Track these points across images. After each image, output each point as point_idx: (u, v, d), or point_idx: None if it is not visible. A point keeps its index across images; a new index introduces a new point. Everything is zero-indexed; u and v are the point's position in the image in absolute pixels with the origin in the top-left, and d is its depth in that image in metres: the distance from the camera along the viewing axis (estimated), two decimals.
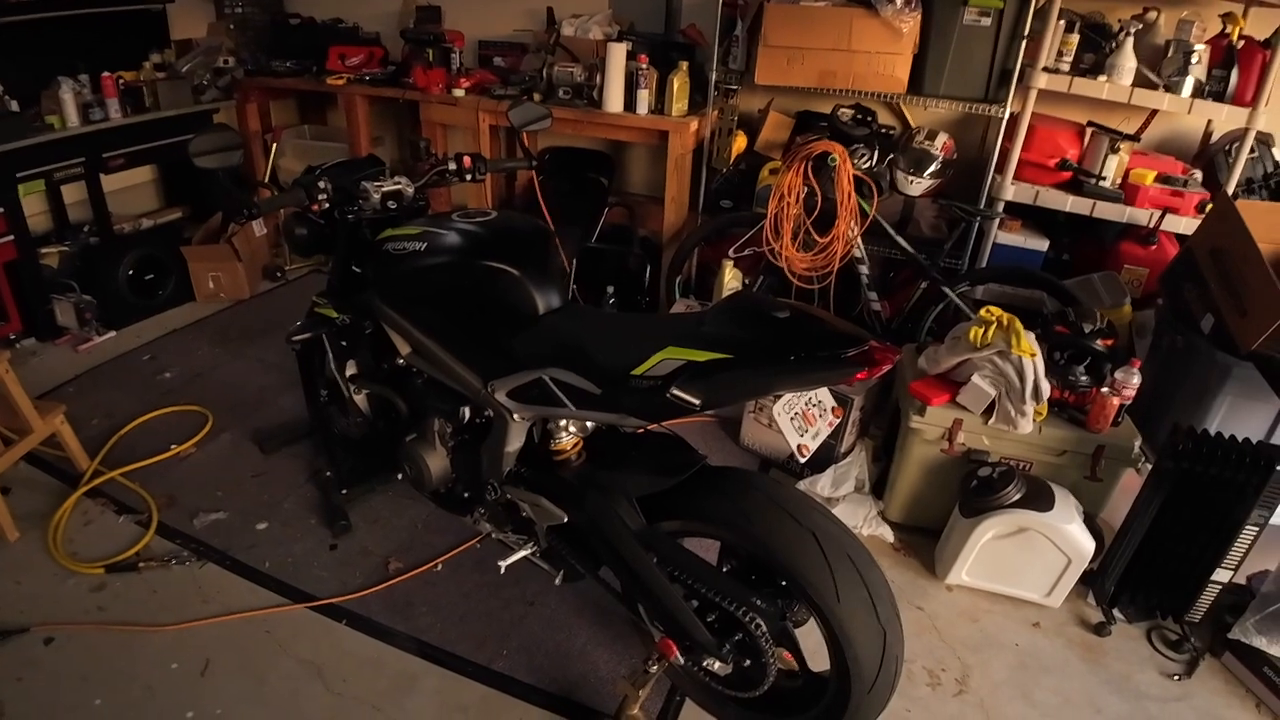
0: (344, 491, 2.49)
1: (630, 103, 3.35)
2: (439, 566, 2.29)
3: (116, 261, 3.54)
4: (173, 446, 2.73)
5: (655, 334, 1.43)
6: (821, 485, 2.57)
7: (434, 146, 3.31)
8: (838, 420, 2.60)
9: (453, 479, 2.00)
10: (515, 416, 1.69)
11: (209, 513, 2.45)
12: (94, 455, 2.62)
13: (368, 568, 2.28)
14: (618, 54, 3.28)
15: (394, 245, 1.82)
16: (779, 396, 2.58)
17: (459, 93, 3.63)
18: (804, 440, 2.61)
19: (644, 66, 3.27)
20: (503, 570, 1.84)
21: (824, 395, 2.61)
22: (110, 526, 2.40)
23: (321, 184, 1.86)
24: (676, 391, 1.34)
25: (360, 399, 2.23)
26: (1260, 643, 2.03)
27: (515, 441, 1.76)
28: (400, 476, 2.12)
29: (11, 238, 3.18)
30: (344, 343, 2.17)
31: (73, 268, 3.57)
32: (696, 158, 3.56)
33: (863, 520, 2.47)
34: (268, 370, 3.26)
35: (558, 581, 1.89)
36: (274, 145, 4.05)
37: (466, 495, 2.00)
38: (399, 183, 2.00)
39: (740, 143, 3.53)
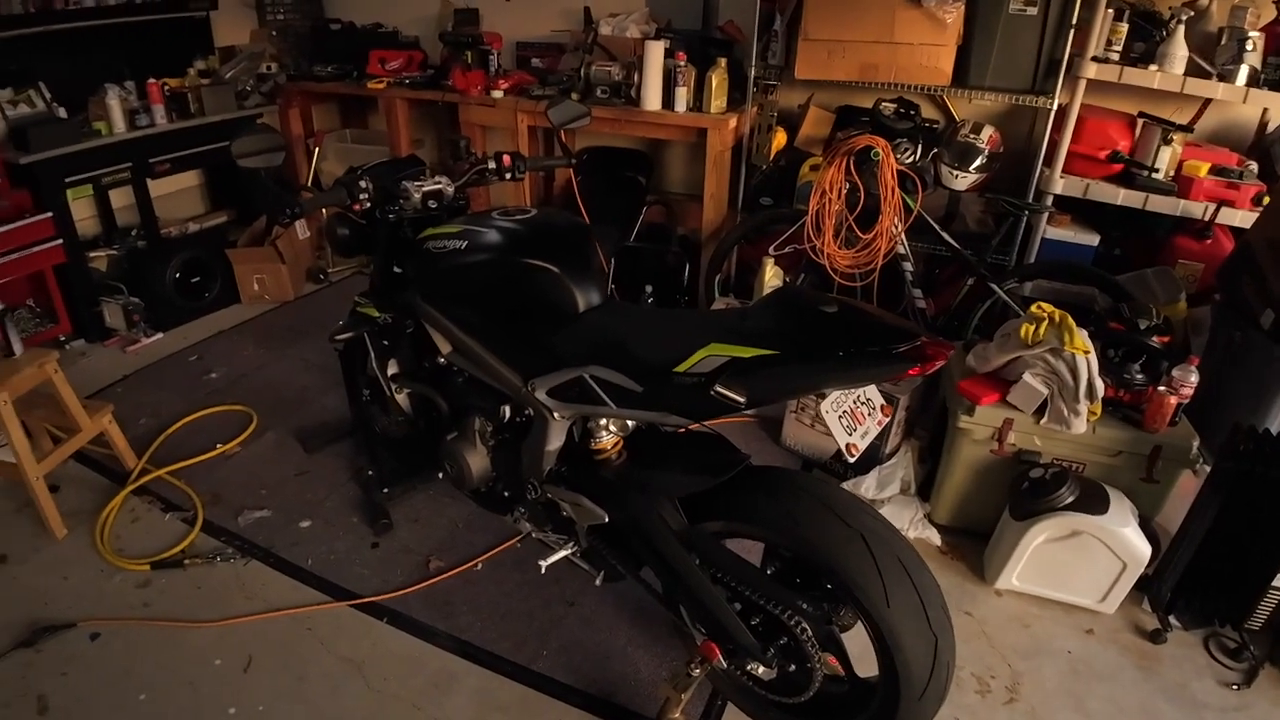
0: (385, 490, 2.50)
1: (668, 100, 3.33)
2: (479, 565, 2.29)
3: (163, 264, 3.61)
4: (218, 445, 2.77)
5: (698, 330, 1.41)
6: (866, 487, 2.52)
7: (473, 147, 3.32)
8: (887, 419, 2.55)
9: (493, 478, 2.00)
10: (556, 415, 1.68)
11: (253, 511, 2.48)
12: (141, 454, 2.67)
13: (408, 566, 2.29)
14: (655, 52, 3.26)
15: (435, 244, 1.82)
16: (826, 394, 2.53)
17: (497, 94, 3.64)
18: (853, 439, 2.56)
19: (682, 64, 3.25)
20: (543, 570, 1.83)
21: (872, 393, 2.56)
22: (156, 524, 2.44)
23: (363, 183, 1.88)
24: (720, 389, 1.31)
25: (402, 398, 2.24)
26: None
27: (556, 440, 1.74)
28: (441, 475, 2.13)
29: (60, 242, 3.26)
30: (386, 342, 2.18)
31: (121, 271, 3.65)
32: (735, 155, 3.53)
33: (909, 523, 2.41)
34: (311, 370, 3.29)
35: (598, 582, 1.87)
36: (316, 149, 4.11)
37: (507, 494, 2.00)
38: (439, 182, 2.00)
39: (780, 139, 3.49)
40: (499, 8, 4.10)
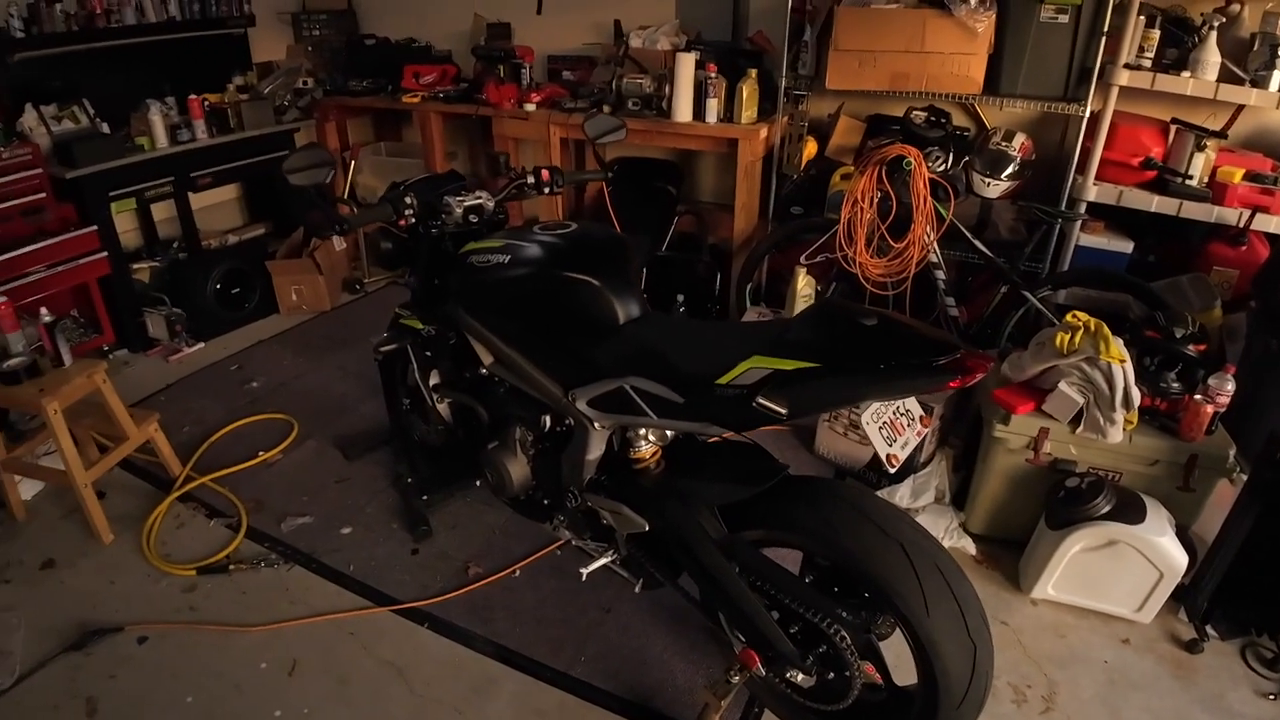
0: (424, 497, 2.55)
1: (699, 111, 3.37)
2: (517, 572, 2.33)
3: (204, 276, 3.70)
4: (260, 453, 2.84)
5: (739, 342, 1.43)
6: (900, 496, 2.53)
7: (510, 161, 3.38)
8: (926, 429, 2.56)
9: (533, 486, 2.03)
10: (596, 425, 1.71)
11: (295, 517, 2.54)
12: (185, 461, 2.75)
13: (448, 572, 2.33)
14: (686, 64, 3.30)
15: (477, 258, 1.86)
16: (865, 406, 2.54)
17: (530, 107, 3.70)
18: (893, 450, 2.57)
19: (712, 75, 3.28)
20: (584, 577, 1.86)
21: (911, 404, 2.57)
22: (201, 530, 2.51)
23: (408, 199, 1.93)
24: (763, 400, 1.34)
25: (443, 407, 2.28)
26: None
27: (596, 450, 1.78)
28: (480, 483, 2.17)
29: (105, 254, 3.35)
30: (428, 353, 2.23)
31: (163, 282, 3.76)
32: (766, 165, 3.55)
33: (943, 532, 2.42)
34: (349, 379, 3.36)
35: (637, 589, 1.90)
36: (352, 162, 4.19)
37: (546, 502, 2.03)
38: (480, 197, 2.05)
39: (811, 148, 3.50)
40: (530, 21, 4.16)
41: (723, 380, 1.40)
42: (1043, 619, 2.22)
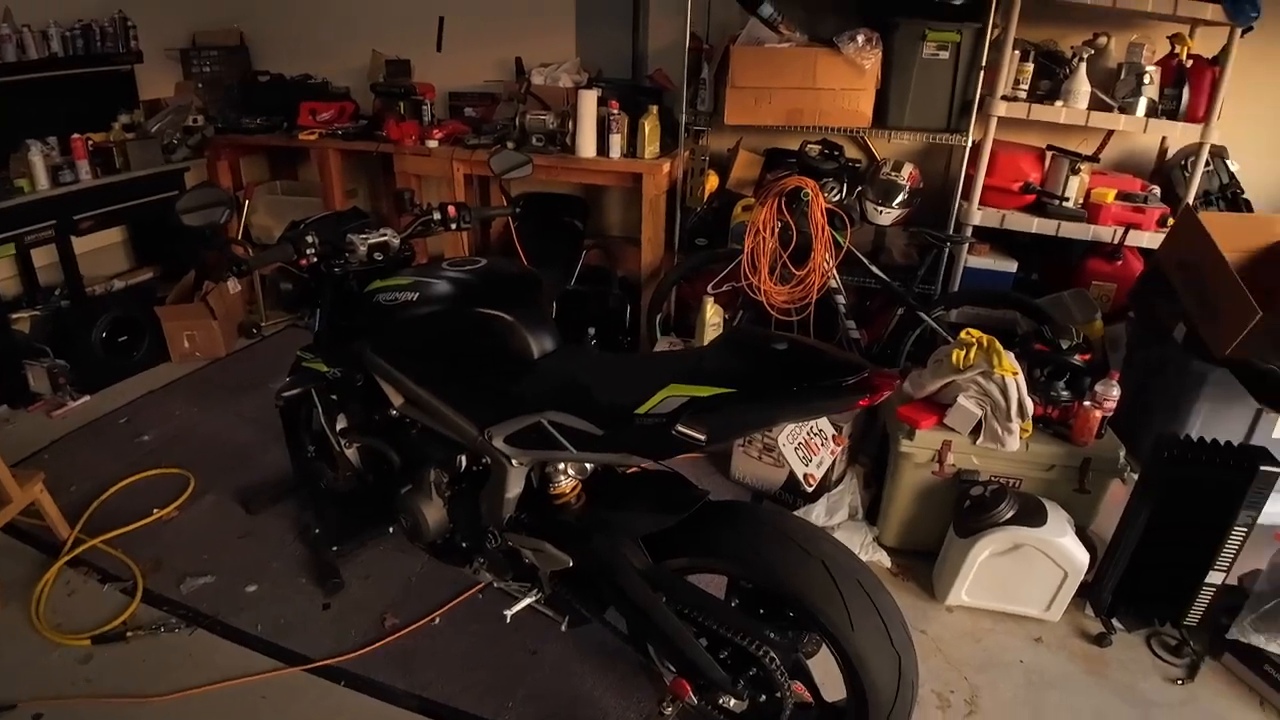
0: (335, 548, 2.44)
1: (603, 147, 3.41)
2: (437, 620, 2.25)
3: (89, 324, 3.47)
4: (155, 510, 2.66)
5: (656, 372, 1.44)
6: (816, 514, 2.58)
7: (416, 198, 3.33)
8: (839, 448, 2.63)
9: (451, 529, 1.98)
10: (514, 462, 1.68)
11: (196, 577, 2.39)
12: (74, 523, 2.55)
13: (363, 625, 2.23)
14: (588, 100, 3.34)
15: (384, 296, 1.82)
16: (781, 428, 2.59)
17: (432, 144, 3.67)
18: (810, 469, 2.62)
19: (615, 111, 3.34)
20: (508, 619, 1.82)
21: (824, 424, 2.63)
22: (95, 595, 2.33)
23: (309, 238, 1.87)
24: (682, 428, 1.35)
25: (351, 452, 2.20)
26: (1258, 641, 2.07)
27: (515, 487, 1.75)
28: (393, 529, 2.10)
29: None
30: (334, 396, 2.15)
31: (45, 332, 3.50)
32: (670, 198, 3.61)
33: (859, 547, 2.47)
34: (249, 428, 3.20)
35: (564, 628, 1.87)
36: (246, 202, 4.04)
37: (465, 545, 1.98)
38: (385, 234, 2.00)
39: (712, 182, 3.60)
40: (431, 58, 4.14)
41: (641, 410, 1.41)
42: (959, 625, 2.29)
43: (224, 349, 3.85)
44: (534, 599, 1.86)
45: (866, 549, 2.49)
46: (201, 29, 4.40)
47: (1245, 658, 2.12)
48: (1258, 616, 2.08)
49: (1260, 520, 2.05)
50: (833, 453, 2.63)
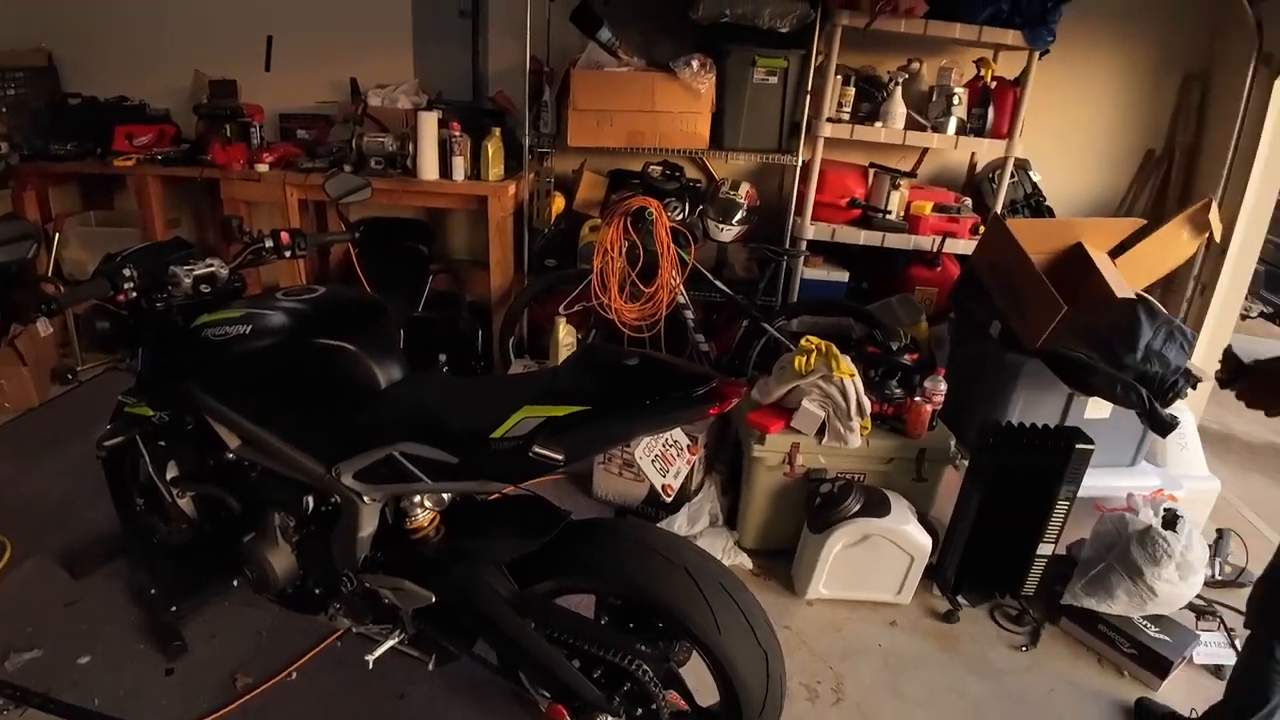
0: (173, 608, 2.23)
1: (446, 170, 3.35)
2: (293, 674, 2.11)
3: None
4: None
5: (510, 395, 1.43)
6: (678, 525, 2.62)
7: (245, 225, 3.14)
8: (695, 457, 2.69)
9: (301, 576, 1.85)
10: (365, 499, 1.61)
11: (20, 653, 2.12)
12: None
13: (212, 687, 2.05)
14: (429, 122, 3.28)
15: (214, 331, 1.69)
16: (637, 442, 2.62)
17: (262, 168, 3.47)
18: (667, 480, 2.67)
19: (457, 134, 3.29)
20: (370, 665, 1.73)
21: (678, 435, 2.70)
22: None
23: (126, 271, 1.71)
24: (539, 449, 1.34)
25: (184, 502, 2.02)
26: (1090, 604, 2.30)
27: (368, 526, 1.66)
28: (238, 582, 1.95)
29: None
30: (162, 442, 1.97)
31: None
32: (517, 220, 3.60)
33: (721, 552, 2.54)
34: (68, 483, 2.88)
35: (431, 666, 1.79)
36: (56, 235, 3.65)
37: (318, 591, 1.86)
38: (211, 264, 1.86)
39: (559, 203, 3.62)
40: (259, 79, 3.93)
41: (496, 434, 1.38)
42: (820, 617, 2.40)
43: (37, 398, 3.45)
44: (397, 640, 1.78)
45: (729, 553, 2.56)
46: (3, 49, 3.96)
47: (1080, 620, 2.35)
48: (1086, 581, 2.31)
49: (1081, 494, 2.28)
50: (689, 461, 2.70)
